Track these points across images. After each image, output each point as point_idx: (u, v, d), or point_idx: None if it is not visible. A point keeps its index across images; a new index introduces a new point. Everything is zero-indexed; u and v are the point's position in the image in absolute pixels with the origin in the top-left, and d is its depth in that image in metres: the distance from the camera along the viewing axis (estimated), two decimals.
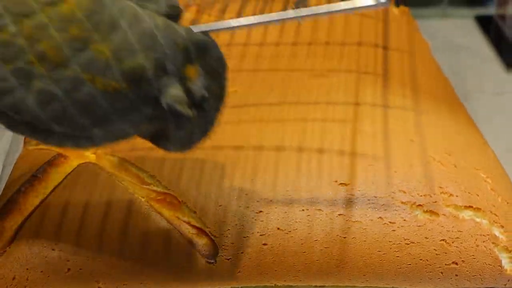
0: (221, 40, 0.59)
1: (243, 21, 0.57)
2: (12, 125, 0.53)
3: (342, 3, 0.57)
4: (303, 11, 0.57)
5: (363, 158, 0.69)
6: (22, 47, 0.51)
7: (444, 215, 0.66)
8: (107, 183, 0.68)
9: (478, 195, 0.67)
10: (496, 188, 0.69)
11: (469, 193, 0.67)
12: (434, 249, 0.64)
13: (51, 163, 0.71)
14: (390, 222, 0.65)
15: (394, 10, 1.03)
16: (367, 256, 0.64)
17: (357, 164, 0.68)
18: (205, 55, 0.55)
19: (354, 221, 0.65)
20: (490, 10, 1.36)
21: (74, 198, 0.67)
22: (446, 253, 0.64)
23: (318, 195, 0.66)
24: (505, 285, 0.65)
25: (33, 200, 0.69)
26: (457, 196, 0.67)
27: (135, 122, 0.53)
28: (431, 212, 0.66)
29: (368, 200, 0.66)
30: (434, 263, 0.65)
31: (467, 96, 1.07)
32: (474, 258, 0.65)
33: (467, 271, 0.65)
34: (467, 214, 0.66)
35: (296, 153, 0.70)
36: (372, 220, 0.65)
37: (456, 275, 0.65)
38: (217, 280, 0.65)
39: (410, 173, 0.67)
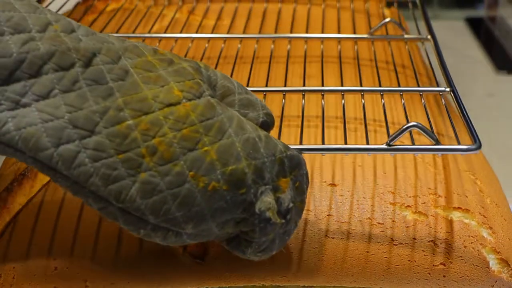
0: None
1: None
2: (109, 212, 0.55)
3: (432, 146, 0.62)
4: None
5: (353, 159, 0.70)
6: (136, 140, 0.54)
7: (433, 216, 0.66)
8: None
9: (467, 197, 0.68)
10: (484, 190, 0.70)
11: (457, 194, 0.67)
12: (422, 250, 0.64)
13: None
14: (379, 223, 0.65)
15: (385, 11, 1.03)
16: (356, 257, 0.64)
17: (346, 165, 0.68)
18: (297, 171, 0.58)
19: (342, 222, 0.65)
20: (480, 12, 1.37)
21: (64, 198, 0.67)
22: (434, 254, 0.64)
23: (307, 196, 0.65)
24: (492, 286, 0.65)
25: (20, 199, 0.68)
26: (445, 197, 0.67)
27: (224, 223, 0.55)
28: (420, 213, 0.66)
29: (357, 201, 0.66)
30: (422, 264, 0.64)
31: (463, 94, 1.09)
32: (462, 259, 0.65)
33: (455, 272, 0.65)
34: (455, 215, 0.66)
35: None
36: (360, 221, 0.65)
37: (444, 276, 0.65)
38: (205, 280, 0.65)
39: (399, 175, 0.67)
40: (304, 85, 0.76)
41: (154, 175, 0.54)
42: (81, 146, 0.53)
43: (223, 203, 0.55)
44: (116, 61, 0.58)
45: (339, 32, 0.90)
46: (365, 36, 0.87)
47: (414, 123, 0.61)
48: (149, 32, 0.90)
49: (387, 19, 0.87)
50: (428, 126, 0.64)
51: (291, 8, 1.00)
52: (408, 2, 1.01)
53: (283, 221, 0.57)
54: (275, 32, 0.92)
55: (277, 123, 0.67)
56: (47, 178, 0.70)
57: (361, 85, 0.76)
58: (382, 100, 0.71)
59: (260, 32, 0.91)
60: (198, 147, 0.55)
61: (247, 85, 0.77)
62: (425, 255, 0.64)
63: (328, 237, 0.64)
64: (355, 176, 0.68)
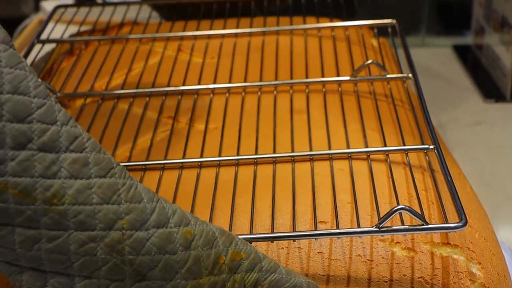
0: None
1: None
2: None
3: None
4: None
5: (343, 196, 0.70)
6: None
7: (422, 252, 0.66)
8: None
9: (455, 232, 0.68)
10: (473, 225, 0.70)
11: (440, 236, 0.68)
12: (412, 286, 0.65)
13: None
14: (369, 260, 0.65)
15: (373, 43, 1.04)
16: (345, 275, 0.65)
17: (336, 203, 0.68)
18: None
19: (333, 259, 0.65)
20: (468, 39, 1.38)
21: None
22: (418, 283, 0.65)
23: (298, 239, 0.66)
24: None
25: None
26: (436, 236, 0.67)
27: None
28: (409, 249, 0.66)
29: (347, 238, 0.66)
30: None
31: (445, 126, 1.09)
32: None
33: None
34: (444, 251, 0.67)
35: (279, 195, 0.70)
36: (351, 258, 0.65)
37: None
38: None
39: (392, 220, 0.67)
40: (292, 150, 0.76)
41: None
42: None
43: None
44: (170, 278, 0.58)
45: (322, 74, 0.90)
46: (347, 78, 0.87)
47: (402, 206, 0.62)
48: (143, 68, 0.90)
49: (369, 61, 0.87)
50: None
51: (274, 40, 0.99)
52: (392, 36, 1.00)
53: None
54: (260, 78, 0.91)
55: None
56: None
57: (348, 146, 0.77)
58: (369, 162, 0.73)
59: (246, 77, 0.91)
60: None
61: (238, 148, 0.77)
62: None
63: (318, 274, 0.65)
64: (345, 213, 0.68)
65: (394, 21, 1.00)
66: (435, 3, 1.40)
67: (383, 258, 0.65)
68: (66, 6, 1.09)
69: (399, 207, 0.62)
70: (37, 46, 0.98)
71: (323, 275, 0.65)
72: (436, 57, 1.25)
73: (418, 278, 0.65)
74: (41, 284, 0.56)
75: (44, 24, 1.02)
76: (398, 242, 0.66)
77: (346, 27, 1.02)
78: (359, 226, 0.64)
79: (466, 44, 1.38)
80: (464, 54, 1.35)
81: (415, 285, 0.65)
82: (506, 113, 1.18)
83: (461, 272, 0.66)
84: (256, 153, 0.76)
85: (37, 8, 1.41)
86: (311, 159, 0.74)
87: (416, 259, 0.65)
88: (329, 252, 0.66)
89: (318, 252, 0.66)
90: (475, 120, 1.13)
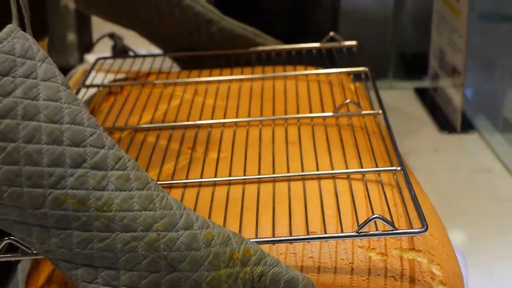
0: None
1: None
2: None
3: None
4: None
5: (330, 211, 0.70)
6: None
7: (393, 256, 0.66)
8: None
9: (419, 240, 0.68)
10: (433, 233, 0.70)
11: (411, 238, 0.68)
12: (385, 284, 0.64)
13: None
14: (350, 263, 0.65)
15: (351, 86, 1.04)
16: (332, 279, 0.65)
17: (324, 216, 0.68)
18: None
19: (321, 262, 0.65)
20: (426, 83, 1.39)
21: None
22: (394, 287, 0.64)
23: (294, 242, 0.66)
24: None
25: None
26: (402, 241, 0.67)
27: None
28: (382, 254, 0.66)
29: (333, 245, 0.66)
30: None
31: (408, 152, 1.08)
32: None
33: None
34: (410, 255, 0.67)
35: (278, 210, 0.70)
36: (336, 261, 0.65)
37: None
38: None
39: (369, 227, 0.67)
40: (288, 171, 0.76)
41: None
42: None
43: None
44: (195, 270, 0.58)
45: (310, 111, 0.90)
46: (331, 114, 0.87)
47: (377, 215, 0.62)
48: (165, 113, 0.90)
49: (348, 101, 0.87)
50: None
51: (271, 84, 0.99)
52: (365, 80, 1.01)
53: None
54: (261, 114, 0.91)
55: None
56: None
57: (332, 168, 0.76)
58: (349, 181, 0.73)
59: (249, 114, 0.91)
60: None
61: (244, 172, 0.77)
62: (380, 286, 0.65)
63: (311, 274, 0.65)
64: (332, 225, 0.68)
65: (366, 69, 1.00)
66: (400, 54, 1.41)
67: (361, 261, 0.65)
68: (105, 58, 1.10)
69: (374, 216, 0.62)
70: (83, 90, 0.99)
71: (313, 275, 0.64)
72: (400, 97, 1.26)
73: (390, 277, 0.65)
74: (93, 277, 0.56)
75: (88, 73, 1.02)
76: (373, 248, 0.66)
77: (328, 74, 1.02)
78: (342, 232, 0.65)
79: (425, 87, 1.38)
80: (423, 95, 1.35)
81: (387, 283, 0.64)
82: (457, 143, 1.18)
83: (424, 272, 0.65)
84: (259, 174, 0.76)
85: (81, 60, 1.40)
86: (303, 179, 0.74)
87: (388, 262, 0.65)
88: (319, 257, 0.65)
89: (309, 257, 0.65)
90: (432, 148, 1.13)
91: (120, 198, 0.56)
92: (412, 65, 1.42)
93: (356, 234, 0.63)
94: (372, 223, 0.63)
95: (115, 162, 0.57)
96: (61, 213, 0.55)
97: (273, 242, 0.65)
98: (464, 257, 0.71)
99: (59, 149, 0.55)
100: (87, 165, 0.56)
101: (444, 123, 1.23)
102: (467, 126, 1.23)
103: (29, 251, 0.61)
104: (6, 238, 0.61)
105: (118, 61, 1.12)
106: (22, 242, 0.60)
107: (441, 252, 0.68)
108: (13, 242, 0.61)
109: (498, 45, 1.27)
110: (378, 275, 0.65)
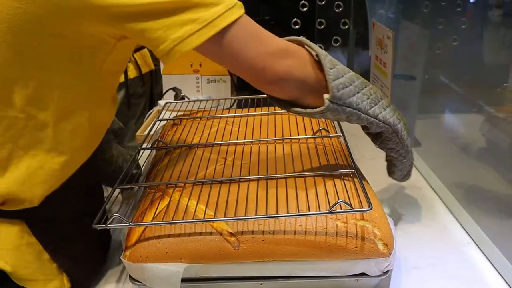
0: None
1: None
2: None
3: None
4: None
5: (312, 197, 0.69)
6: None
7: (350, 223, 0.66)
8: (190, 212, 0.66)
9: (366, 213, 0.66)
10: (375, 209, 0.69)
11: (362, 214, 0.67)
12: (346, 241, 0.64)
13: (153, 203, 0.68)
14: (324, 228, 0.65)
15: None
16: (314, 238, 0.64)
17: (309, 203, 0.67)
18: None
19: (307, 228, 0.65)
20: None
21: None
22: (351, 242, 0.64)
23: (285, 220, 0.65)
24: (379, 256, 0.64)
25: (148, 218, 0.66)
26: (356, 214, 0.66)
27: None
28: (344, 222, 0.66)
29: (314, 218, 0.66)
30: (346, 246, 0.64)
31: (357, 160, 1.06)
32: (364, 243, 0.64)
33: (362, 250, 0.64)
34: (361, 222, 0.66)
35: (280, 196, 0.69)
36: (315, 227, 0.65)
37: (356, 252, 0.64)
38: (238, 258, 0.64)
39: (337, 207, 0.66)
40: (284, 172, 0.74)
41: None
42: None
43: None
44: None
45: (298, 133, 0.89)
46: (310, 136, 0.86)
47: (341, 200, 0.62)
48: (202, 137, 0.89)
49: (321, 128, 0.86)
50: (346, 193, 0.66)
51: (273, 117, 0.98)
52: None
53: None
54: (267, 135, 0.89)
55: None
56: (164, 204, 0.67)
57: (312, 170, 0.75)
58: (323, 179, 0.72)
59: (260, 136, 0.89)
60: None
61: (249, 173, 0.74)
62: (347, 242, 0.64)
63: (299, 235, 0.64)
64: (316, 207, 0.67)
65: None
66: None
67: (331, 227, 0.65)
68: (170, 102, 1.09)
69: (340, 200, 0.62)
70: (157, 123, 0.98)
71: (302, 236, 0.64)
72: (350, 124, 1.22)
73: (349, 236, 0.64)
74: None
75: (160, 112, 1.02)
76: (338, 219, 0.66)
77: None
78: (319, 210, 0.65)
79: None
80: None
81: (347, 240, 0.64)
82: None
83: (369, 233, 0.65)
84: (267, 174, 0.74)
85: (155, 104, 1.39)
86: (295, 178, 0.73)
87: (348, 227, 0.65)
88: (305, 224, 0.65)
89: (299, 225, 0.65)
90: (372, 156, 1.11)
91: None
92: None
93: (329, 212, 0.63)
94: (338, 205, 0.63)
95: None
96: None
97: (278, 217, 0.64)
98: (392, 223, 0.70)
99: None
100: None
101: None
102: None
103: (127, 223, 0.60)
104: (115, 215, 0.60)
105: (179, 104, 1.12)
106: (123, 217, 0.60)
107: (379, 220, 0.68)
108: (118, 216, 0.60)
109: (408, 93, 1.27)
110: (342, 235, 0.65)
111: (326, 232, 0.64)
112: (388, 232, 0.67)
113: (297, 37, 0.60)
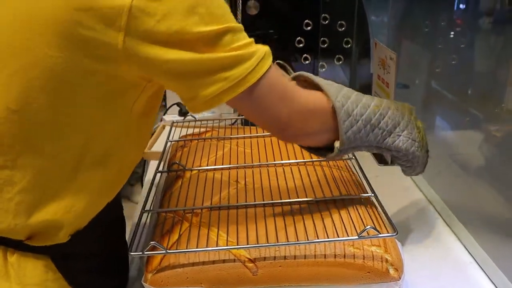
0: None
1: None
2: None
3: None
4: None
5: (338, 223, 0.70)
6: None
7: (364, 249, 0.68)
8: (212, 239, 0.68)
9: (379, 238, 0.69)
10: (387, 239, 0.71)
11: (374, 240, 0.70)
12: (359, 265, 0.66)
13: (173, 228, 0.70)
14: (342, 252, 0.67)
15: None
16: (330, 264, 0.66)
17: (336, 230, 0.69)
18: None
19: (326, 253, 0.67)
20: None
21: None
22: (364, 267, 0.67)
23: (304, 246, 0.67)
24: (390, 280, 0.66)
25: (174, 237, 0.68)
26: (370, 241, 0.69)
27: None
28: (357, 248, 0.68)
29: (333, 245, 0.68)
30: (359, 271, 0.66)
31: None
32: (377, 269, 0.66)
33: (373, 275, 0.66)
34: (374, 248, 0.68)
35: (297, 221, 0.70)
36: (335, 251, 0.67)
37: (368, 277, 0.66)
38: (256, 283, 0.65)
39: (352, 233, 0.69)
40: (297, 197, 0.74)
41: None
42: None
43: None
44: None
45: (311, 156, 0.88)
46: (324, 159, 0.84)
47: (370, 227, 0.64)
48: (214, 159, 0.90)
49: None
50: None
51: (276, 140, 0.98)
52: None
53: None
54: (280, 158, 0.89)
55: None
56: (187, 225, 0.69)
57: (332, 194, 0.76)
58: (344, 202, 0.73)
59: (267, 159, 0.90)
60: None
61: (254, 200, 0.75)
62: (360, 268, 0.66)
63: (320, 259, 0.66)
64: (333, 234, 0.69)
65: None
66: None
67: (347, 252, 0.67)
68: (177, 122, 1.10)
69: (368, 226, 0.65)
70: (168, 143, 0.99)
71: (322, 259, 0.66)
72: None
73: (362, 262, 0.67)
74: None
75: (170, 131, 1.02)
76: (351, 245, 0.68)
77: None
78: (348, 236, 0.67)
79: None
80: None
81: (361, 265, 0.66)
82: (388, 171, 1.07)
83: (381, 257, 0.67)
84: (280, 199, 0.75)
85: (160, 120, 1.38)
86: (308, 203, 0.74)
87: (362, 252, 0.67)
88: (323, 251, 0.67)
89: (316, 251, 0.67)
90: (374, 175, 1.11)
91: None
92: None
93: (357, 237, 0.65)
94: (353, 229, 0.65)
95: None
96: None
97: (307, 243, 0.66)
98: (401, 247, 0.72)
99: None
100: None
101: (381, 159, 1.11)
102: (393, 161, 1.18)
103: (164, 251, 0.61)
104: (151, 243, 0.60)
105: (186, 122, 1.12)
106: (160, 244, 0.60)
107: (390, 245, 0.70)
108: (155, 245, 0.60)
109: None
110: (356, 261, 0.67)
111: (344, 257, 0.67)
112: (398, 257, 0.68)
113: (314, 78, 0.61)
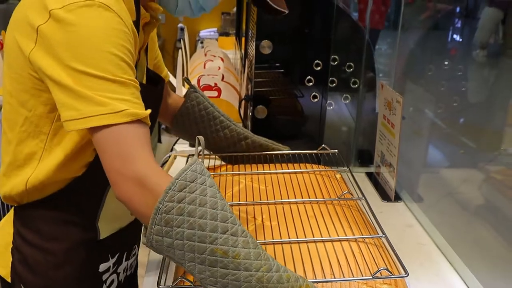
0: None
1: None
2: None
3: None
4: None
5: (353, 265, 0.74)
6: None
7: (376, 286, 0.73)
8: None
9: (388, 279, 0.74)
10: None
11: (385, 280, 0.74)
12: None
13: None
14: None
15: (337, 176, 1.08)
16: None
17: (342, 267, 0.73)
18: None
19: None
20: (372, 169, 1.35)
21: None
22: None
23: (321, 285, 0.71)
24: None
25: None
26: (382, 280, 0.74)
27: None
28: (371, 287, 0.73)
29: (349, 284, 0.73)
30: None
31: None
32: None
33: None
34: (384, 286, 0.73)
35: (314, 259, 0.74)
36: None
37: None
38: None
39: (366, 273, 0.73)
40: (313, 236, 0.77)
41: None
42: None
43: None
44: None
45: (322, 195, 0.91)
46: (336, 199, 0.90)
47: (383, 268, 0.68)
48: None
49: (345, 191, 0.92)
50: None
51: (295, 177, 1.01)
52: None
53: None
54: (294, 196, 0.91)
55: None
56: None
57: (345, 234, 0.79)
58: (357, 243, 0.76)
59: (281, 196, 0.93)
60: None
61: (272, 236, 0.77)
62: None
63: None
64: (349, 274, 0.74)
65: (347, 168, 1.04)
66: (358, 151, 1.38)
67: None
68: (190, 155, 1.02)
69: (382, 268, 0.69)
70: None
71: None
72: (357, 178, 1.13)
73: None
74: None
75: (186, 162, 0.98)
76: (365, 283, 0.72)
77: (326, 170, 1.06)
78: (362, 275, 0.72)
79: (371, 171, 1.35)
80: (370, 177, 1.34)
81: None
82: (392, 208, 1.18)
83: None
84: (297, 237, 0.79)
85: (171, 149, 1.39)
86: (323, 241, 0.78)
87: None
88: None
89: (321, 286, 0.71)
90: (378, 211, 1.12)
91: (244, 253, 0.60)
92: (364, 158, 1.39)
93: (371, 277, 0.70)
94: (366, 268, 0.69)
95: (242, 232, 0.61)
96: (213, 258, 0.59)
97: (325, 281, 0.70)
98: (408, 284, 0.76)
99: (215, 223, 0.59)
100: (229, 233, 0.60)
101: (384, 195, 1.23)
102: (397, 198, 1.21)
103: (191, 285, 0.65)
104: (180, 277, 0.65)
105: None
106: (186, 279, 0.65)
107: (399, 283, 0.75)
108: (183, 279, 0.65)
109: (415, 155, 1.31)
110: None
111: None
112: None
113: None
